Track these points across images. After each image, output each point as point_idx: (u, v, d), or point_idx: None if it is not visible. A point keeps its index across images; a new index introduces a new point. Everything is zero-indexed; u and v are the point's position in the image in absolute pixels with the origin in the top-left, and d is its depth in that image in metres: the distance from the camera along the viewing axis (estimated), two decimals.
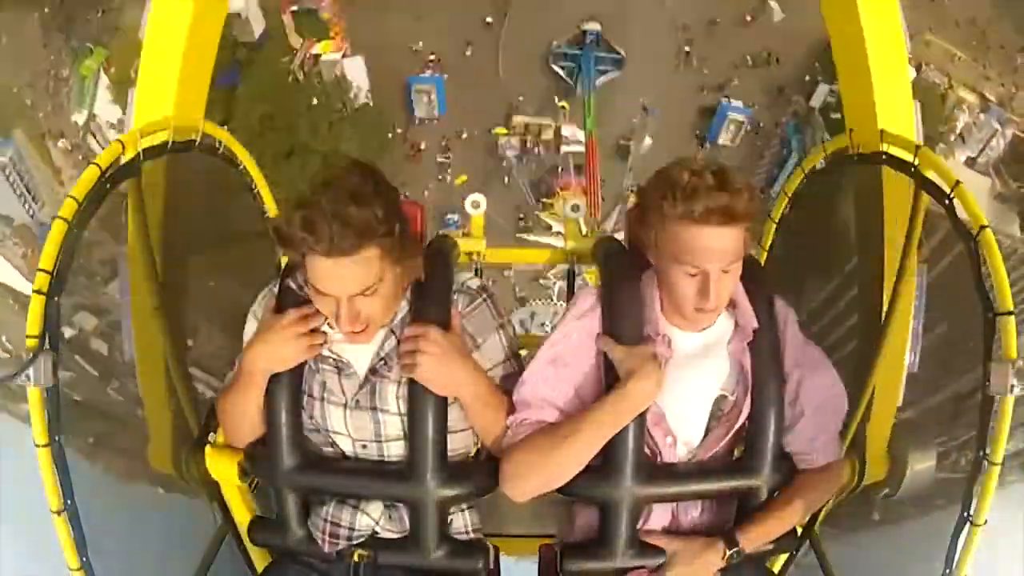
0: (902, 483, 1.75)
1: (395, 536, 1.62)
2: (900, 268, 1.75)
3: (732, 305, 1.55)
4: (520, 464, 1.51)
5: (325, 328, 1.57)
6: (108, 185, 1.53)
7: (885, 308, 1.80)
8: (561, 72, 16.41)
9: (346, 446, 1.61)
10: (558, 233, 14.36)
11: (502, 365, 1.63)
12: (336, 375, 1.58)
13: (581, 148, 15.45)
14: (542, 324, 15.21)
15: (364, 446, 1.60)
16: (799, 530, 1.77)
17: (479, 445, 1.71)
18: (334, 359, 1.58)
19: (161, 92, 1.76)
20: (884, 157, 1.81)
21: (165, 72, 1.77)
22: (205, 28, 1.84)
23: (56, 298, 1.40)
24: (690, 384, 1.55)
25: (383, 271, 1.43)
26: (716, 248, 1.43)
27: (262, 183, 2.30)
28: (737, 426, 1.59)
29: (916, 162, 1.69)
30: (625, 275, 1.64)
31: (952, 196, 1.56)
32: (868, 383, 1.81)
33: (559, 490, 1.55)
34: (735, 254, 1.44)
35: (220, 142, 2.04)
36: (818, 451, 1.61)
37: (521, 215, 16.79)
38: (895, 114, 1.81)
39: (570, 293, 2.50)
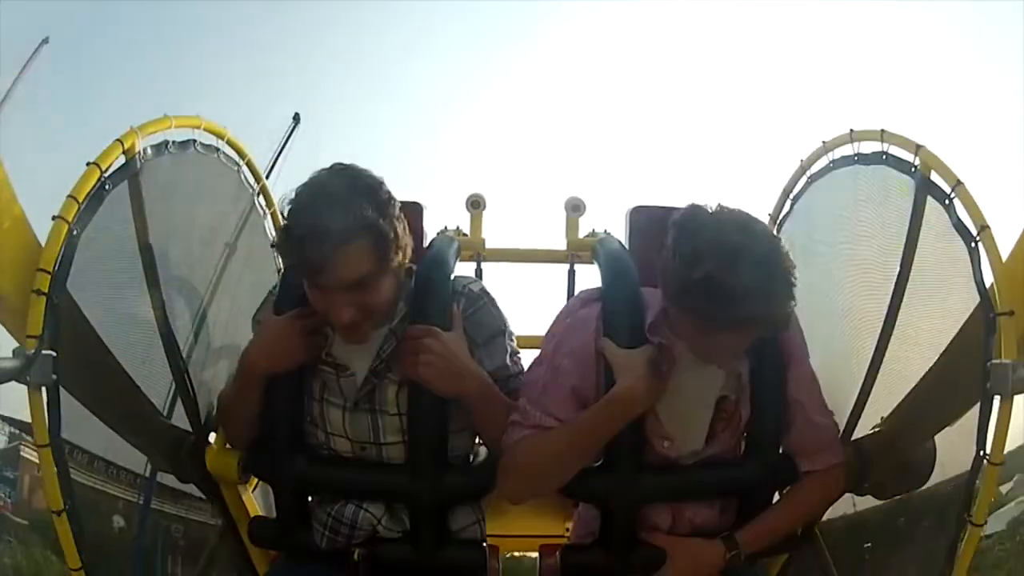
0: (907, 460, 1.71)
1: (395, 535, 1.62)
2: (902, 270, 1.75)
3: None
4: (517, 466, 1.51)
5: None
6: (107, 186, 1.53)
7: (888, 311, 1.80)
8: None
9: (345, 447, 1.61)
10: None
11: (503, 367, 1.63)
12: (335, 377, 1.59)
13: None
14: None
15: (363, 447, 1.61)
16: (799, 531, 1.78)
17: (480, 446, 1.71)
18: (333, 361, 1.58)
19: None
20: (884, 156, 1.81)
21: None
22: None
23: (56, 298, 1.40)
24: (690, 386, 1.55)
25: (376, 265, 1.43)
26: (735, 348, 1.43)
27: (263, 183, 2.30)
28: (740, 427, 1.59)
29: (916, 162, 1.69)
30: (626, 275, 1.64)
31: (952, 196, 1.56)
32: (870, 386, 1.81)
33: (559, 490, 1.55)
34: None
35: (220, 141, 2.04)
36: (819, 454, 1.61)
37: None
38: None
39: (570, 293, 2.50)
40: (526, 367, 1.65)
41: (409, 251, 1.52)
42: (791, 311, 1.37)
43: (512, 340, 1.67)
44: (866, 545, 1.90)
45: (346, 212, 1.37)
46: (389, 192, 1.47)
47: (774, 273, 1.30)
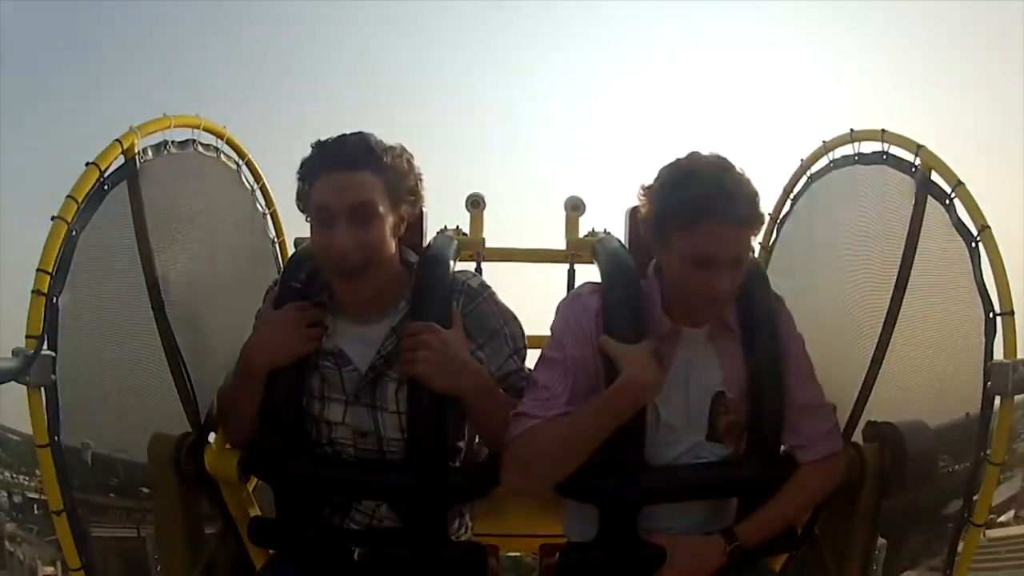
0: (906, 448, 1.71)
1: (394, 524, 1.62)
2: (902, 270, 1.75)
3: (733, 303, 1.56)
4: (520, 456, 1.51)
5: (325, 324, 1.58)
6: (107, 186, 1.54)
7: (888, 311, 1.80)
8: None
9: (346, 434, 1.61)
10: None
11: (504, 363, 1.62)
12: (336, 371, 1.59)
13: None
14: None
15: (363, 445, 1.61)
16: (799, 530, 1.77)
17: (479, 443, 1.71)
18: (334, 355, 1.58)
19: None
20: (885, 156, 1.82)
21: None
22: None
23: (55, 298, 1.41)
24: (690, 381, 1.55)
25: (380, 201, 1.48)
26: (725, 251, 1.43)
27: (263, 182, 2.30)
28: (739, 423, 1.59)
29: (917, 162, 1.69)
30: (626, 273, 1.64)
31: (953, 196, 1.56)
32: (870, 386, 1.82)
33: (558, 489, 1.55)
34: (743, 253, 1.45)
35: (220, 140, 2.04)
36: (818, 443, 1.61)
37: None
38: None
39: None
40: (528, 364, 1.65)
41: (419, 208, 1.60)
42: (760, 207, 1.46)
43: (515, 333, 1.65)
44: None
45: (360, 139, 1.50)
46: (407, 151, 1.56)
47: (739, 171, 1.45)
